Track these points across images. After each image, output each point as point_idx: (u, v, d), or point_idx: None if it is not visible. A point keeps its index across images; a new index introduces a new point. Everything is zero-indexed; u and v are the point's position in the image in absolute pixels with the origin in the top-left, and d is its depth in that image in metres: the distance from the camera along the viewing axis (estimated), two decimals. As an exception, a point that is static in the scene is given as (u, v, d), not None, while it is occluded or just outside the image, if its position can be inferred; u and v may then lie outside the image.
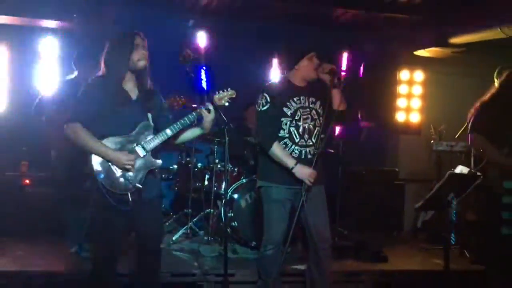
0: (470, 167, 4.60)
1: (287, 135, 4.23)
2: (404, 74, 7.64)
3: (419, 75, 7.66)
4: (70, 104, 3.94)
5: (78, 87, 4.61)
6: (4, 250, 5.25)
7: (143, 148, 3.75)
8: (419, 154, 7.42)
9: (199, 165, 6.47)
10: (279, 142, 4.22)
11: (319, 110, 4.30)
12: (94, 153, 3.64)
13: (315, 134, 4.27)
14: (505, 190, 4.73)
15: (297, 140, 4.24)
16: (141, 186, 3.71)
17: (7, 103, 6.59)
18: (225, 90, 4.00)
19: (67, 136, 3.69)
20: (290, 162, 4.15)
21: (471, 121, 4.97)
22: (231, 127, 3.96)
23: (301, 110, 4.24)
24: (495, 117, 4.79)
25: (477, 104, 4.99)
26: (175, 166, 6.71)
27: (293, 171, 4.14)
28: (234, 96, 4.01)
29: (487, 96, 4.99)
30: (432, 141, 6.77)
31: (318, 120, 4.29)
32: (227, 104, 3.98)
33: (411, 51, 7.31)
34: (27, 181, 6.17)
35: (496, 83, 5.18)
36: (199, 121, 3.93)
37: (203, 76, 6.74)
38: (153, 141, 3.78)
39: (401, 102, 7.65)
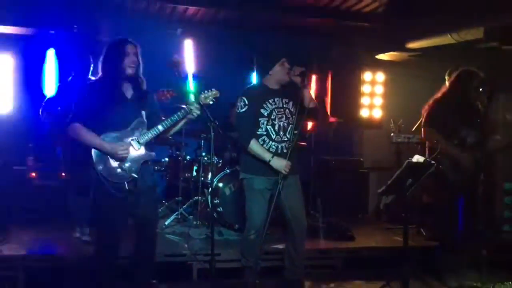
0: (425, 157, 4.65)
1: (264, 133, 4.25)
2: (367, 75, 7.66)
3: (380, 76, 7.68)
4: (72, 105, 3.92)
5: (76, 87, 4.66)
6: (12, 236, 5.18)
7: (138, 142, 3.77)
8: (380, 146, 7.40)
9: (188, 158, 6.45)
10: (258, 139, 4.24)
11: (292, 109, 4.33)
12: (94, 148, 3.66)
13: (289, 131, 4.30)
14: (506, 191, 4.84)
15: (273, 137, 4.26)
16: (136, 176, 3.73)
17: (13, 105, 6.53)
18: (210, 90, 3.99)
19: (70, 135, 3.72)
20: (267, 155, 4.18)
21: (425, 116, 5.02)
22: (216, 124, 3.97)
23: (276, 111, 4.27)
24: (446, 112, 4.83)
25: (430, 101, 5.04)
26: (167, 159, 6.69)
27: (270, 163, 4.16)
28: (218, 95, 4.01)
29: (439, 94, 5.03)
30: (392, 134, 6.77)
31: (291, 118, 4.31)
32: (211, 102, 3.98)
33: (373, 55, 7.35)
34: (33, 174, 6.11)
35: (447, 82, 5.24)
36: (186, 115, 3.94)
37: (190, 79, 6.73)
38: (146, 136, 3.80)
39: (364, 100, 7.66)
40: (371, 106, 7.69)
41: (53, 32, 6.49)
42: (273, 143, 4.26)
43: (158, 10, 6.51)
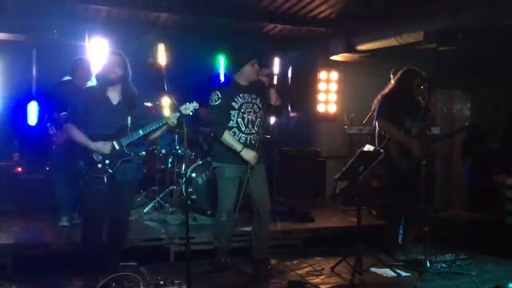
0: (375, 146, 4.69)
1: (235, 125, 4.23)
2: (322, 74, 7.67)
3: (334, 75, 7.70)
4: (66, 104, 4.01)
5: (72, 90, 4.67)
6: (1, 226, 5.03)
7: (119, 143, 3.84)
8: (336, 137, 7.47)
9: (163, 151, 6.31)
10: (229, 130, 4.20)
11: (259, 105, 4.32)
12: (82, 145, 3.79)
13: (257, 124, 4.29)
14: (509, 186, 5.00)
15: (243, 129, 4.24)
16: (111, 171, 3.82)
17: (1, 106, 6.33)
18: (190, 103, 3.96)
19: (66, 133, 3.88)
20: (238, 146, 4.16)
21: (375, 109, 5.04)
22: (189, 120, 3.92)
23: (245, 105, 4.25)
24: (393, 106, 4.87)
25: (379, 96, 5.07)
26: (144, 153, 6.50)
27: (241, 154, 4.15)
28: (197, 107, 3.98)
29: (386, 90, 5.05)
30: (345, 126, 6.85)
31: (259, 113, 4.31)
32: (191, 113, 3.96)
33: (327, 56, 7.37)
34: (19, 169, 5.95)
35: (392, 79, 5.28)
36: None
37: (165, 80, 6.60)
38: (127, 139, 3.87)
39: (321, 97, 7.68)
40: (326, 102, 7.72)
41: (35, 37, 6.31)
42: (242, 135, 4.23)
43: (130, 17, 6.38)
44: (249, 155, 4.15)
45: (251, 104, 4.28)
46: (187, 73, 6.44)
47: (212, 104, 4.20)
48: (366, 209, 6.11)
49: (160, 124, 3.94)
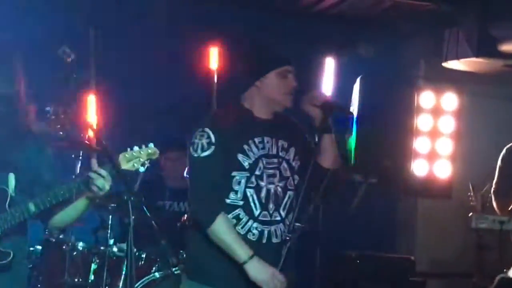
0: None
1: (240, 203, 4.18)
2: (425, 98, 7.73)
3: (450, 99, 7.76)
4: None
5: None
6: None
7: None
8: (448, 232, 7.56)
9: (81, 245, 6.38)
10: (227, 214, 4.19)
11: (293, 163, 4.33)
12: None
13: (286, 203, 4.29)
14: None
15: (256, 212, 4.19)
16: None
17: None
18: (141, 147, 3.96)
19: None
20: (242, 251, 4.10)
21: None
22: (136, 194, 3.94)
23: (264, 160, 4.24)
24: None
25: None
26: (39, 247, 6.59)
27: (245, 267, 4.10)
28: (156, 156, 4.00)
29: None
30: (471, 214, 6.82)
31: (291, 179, 4.30)
32: (142, 169, 3.98)
33: (437, 61, 7.46)
34: None
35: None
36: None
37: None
38: (5, 222, 3.82)
39: (420, 144, 7.75)
40: (431, 156, 7.76)
41: None
42: (254, 224, 4.20)
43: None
44: (261, 272, 4.11)
45: (275, 160, 4.27)
46: (135, 78, 6.55)
47: (196, 155, 4.20)
48: None
49: (74, 190, 3.87)
